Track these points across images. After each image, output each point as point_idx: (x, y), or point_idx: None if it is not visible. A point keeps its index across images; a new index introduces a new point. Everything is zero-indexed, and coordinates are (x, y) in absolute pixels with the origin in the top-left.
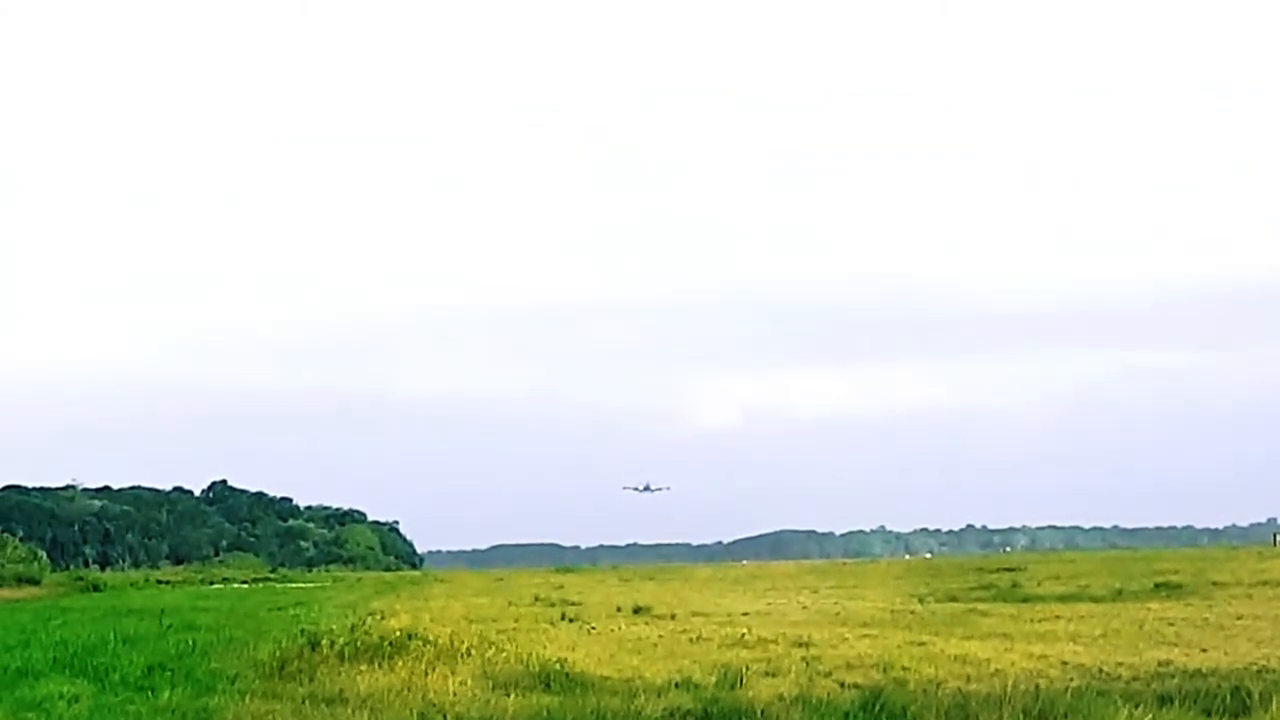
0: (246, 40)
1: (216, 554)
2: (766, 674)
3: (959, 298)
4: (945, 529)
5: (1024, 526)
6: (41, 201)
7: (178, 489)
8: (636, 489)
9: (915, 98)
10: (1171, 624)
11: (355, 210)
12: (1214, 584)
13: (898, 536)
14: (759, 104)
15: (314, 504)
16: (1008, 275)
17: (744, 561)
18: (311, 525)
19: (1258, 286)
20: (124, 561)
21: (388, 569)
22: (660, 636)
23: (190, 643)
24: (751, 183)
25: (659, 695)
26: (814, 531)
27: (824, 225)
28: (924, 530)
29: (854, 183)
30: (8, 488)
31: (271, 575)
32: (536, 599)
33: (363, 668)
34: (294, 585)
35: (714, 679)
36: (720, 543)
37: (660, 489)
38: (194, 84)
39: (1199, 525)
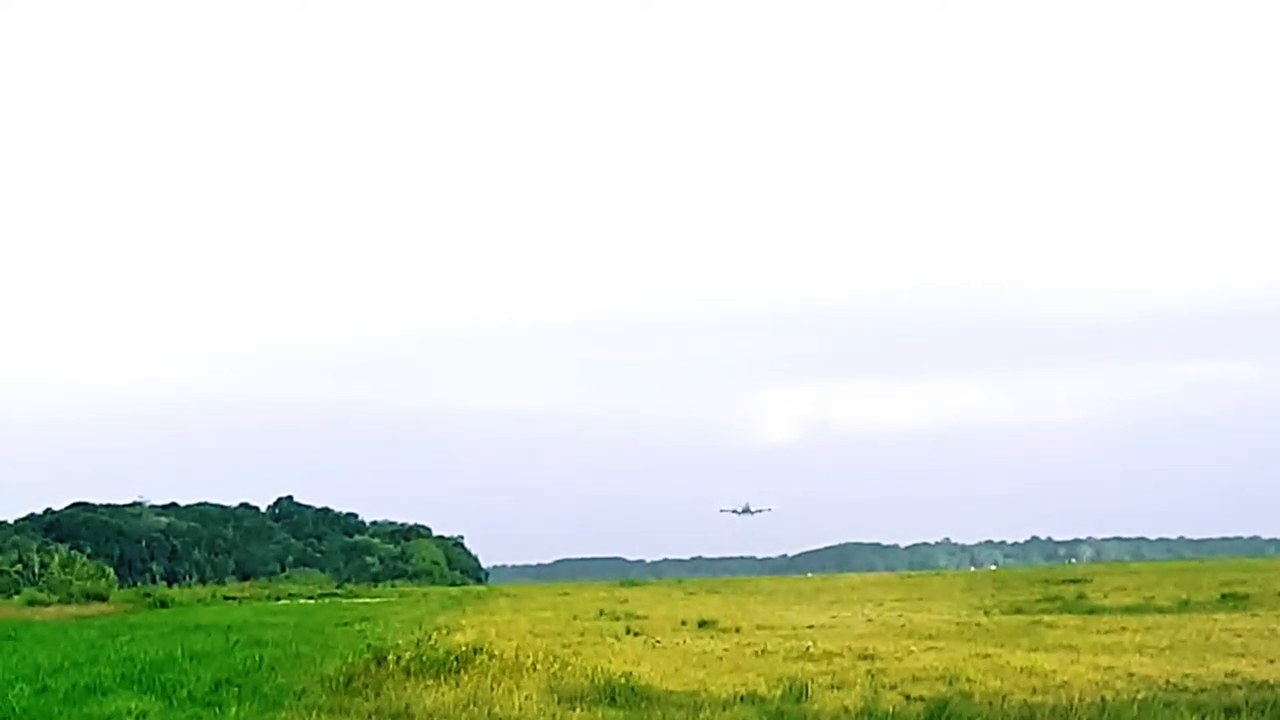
0: (307, 53)
1: (283, 569)
2: (831, 687)
3: (1024, 310)
4: (1010, 541)
5: (1089, 538)
6: (108, 225)
7: (244, 505)
8: (735, 511)
9: (973, 109)
10: (1239, 635)
11: (419, 224)
12: None
13: (963, 548)
14: (822, 117)
15: (379, 519)
16: (1073, 288)
17: (809, 574)
18: (377, 540)
19: None
20: (191, 578)
21: (453, 584)
22: (725, 650)
23: (257, 658)
24: (816, 196)
25: (724, 709)
26: (879, 544)
27: (889, 238)
28: (989, 542)
29: (919, 195)
30: (76, 505)
31: (337, 590)
32: (601, 613)
33: (429, 682)
34: (360, 600)
35: (779, 692)
36: (785, 556)
37: (761, 510)
38: (246, 99)
39: (1266, 535)
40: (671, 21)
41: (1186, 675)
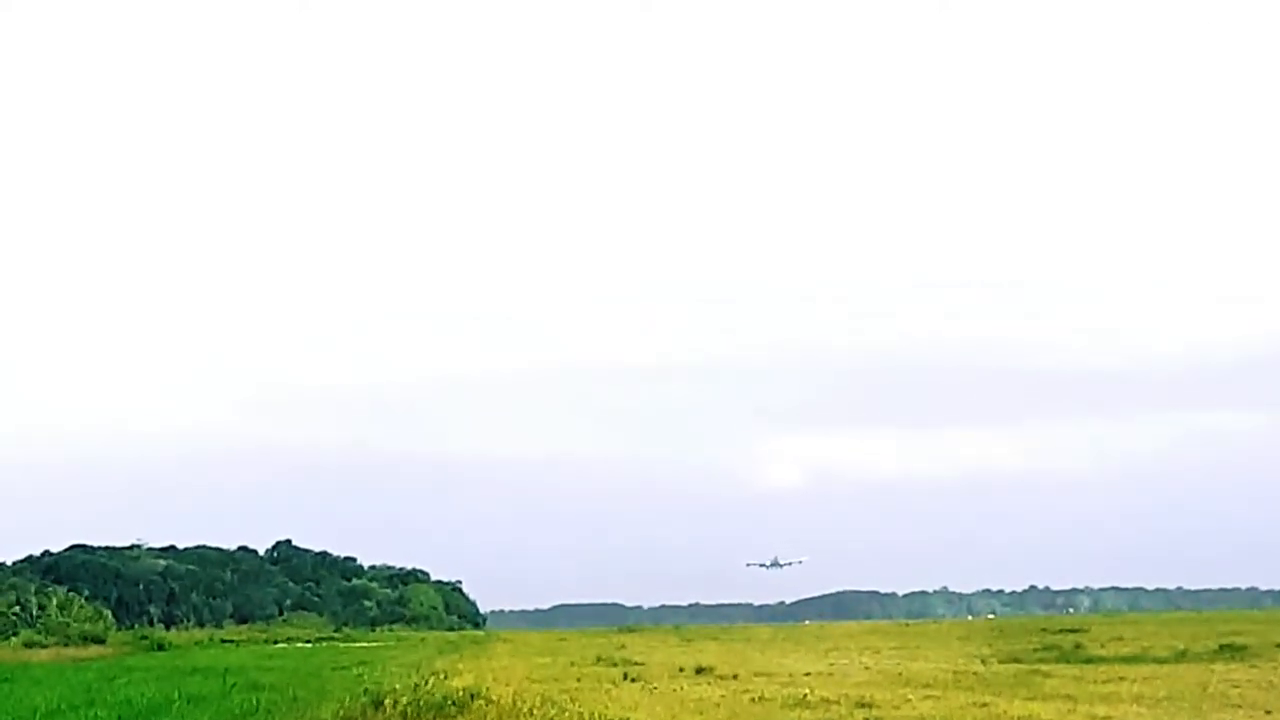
0: (303, 80)
1: (280, 613)
2: None
3: (1023, 361)
4: (1008, 590)
5: (1087, 588)
6: (107, 269)
7: (242, 548)
8: (764, 565)
9: (976, 155)
10: (1236, 685)
11: (418, 269)
12: (1278, 645)
13: (960, 597)
14: (830, 160)
15: (377, 564)
16: (1072, 339)
17: (806, 622)
18: (375, 585)
19: None
20: (188, 620)
21: (451, 629)
22: (722, 697)
23: (255, 702)
24: (816, 243)
25: None
26: (876, 592)
27: (890, 286)
28: (987, 591)
29: (919, 245)
30: (74, 547)
31: (335, 635)
32: (599, 659)
33: None
34: (357, 645)
35: None
36: (783, 603)
37: (790, 563)
38: (246, 133)
39: (1264, 587)
40: (670, 34)
41: None
